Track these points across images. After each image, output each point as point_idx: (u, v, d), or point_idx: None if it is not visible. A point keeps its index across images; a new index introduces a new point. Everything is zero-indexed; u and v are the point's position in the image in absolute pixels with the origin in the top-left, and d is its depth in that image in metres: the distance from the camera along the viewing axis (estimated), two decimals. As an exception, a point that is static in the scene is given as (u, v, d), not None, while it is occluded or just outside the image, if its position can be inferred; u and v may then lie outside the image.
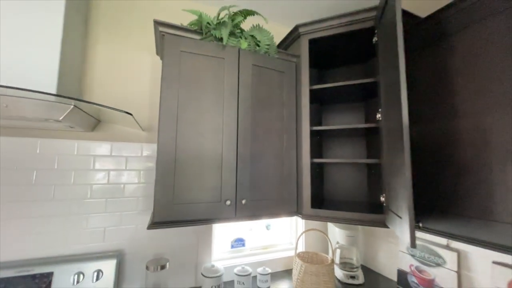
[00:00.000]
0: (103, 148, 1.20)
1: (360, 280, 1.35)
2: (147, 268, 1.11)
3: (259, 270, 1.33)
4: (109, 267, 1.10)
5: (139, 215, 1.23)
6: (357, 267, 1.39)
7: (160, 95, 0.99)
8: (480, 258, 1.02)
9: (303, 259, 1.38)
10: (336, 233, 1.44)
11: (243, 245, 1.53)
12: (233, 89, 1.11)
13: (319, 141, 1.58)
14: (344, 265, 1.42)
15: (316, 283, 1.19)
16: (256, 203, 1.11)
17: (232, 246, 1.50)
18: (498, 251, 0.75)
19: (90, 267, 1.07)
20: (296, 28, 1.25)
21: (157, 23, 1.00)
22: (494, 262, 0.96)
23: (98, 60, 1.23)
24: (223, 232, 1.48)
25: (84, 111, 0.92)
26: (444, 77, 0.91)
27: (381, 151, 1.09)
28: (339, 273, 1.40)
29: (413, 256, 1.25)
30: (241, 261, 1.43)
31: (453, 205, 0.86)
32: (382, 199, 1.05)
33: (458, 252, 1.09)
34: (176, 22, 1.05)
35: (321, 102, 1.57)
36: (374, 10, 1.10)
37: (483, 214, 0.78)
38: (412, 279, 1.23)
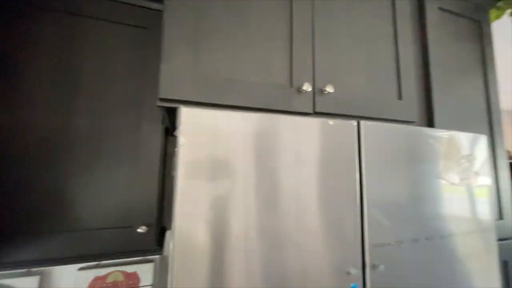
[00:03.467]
0: None
1: None
2: None
3: None
4: None
5: None
6: None
7: None
8: (66, 268, 0.92)
9: None
10: None
11: None
12: None
13: None
14: None
15: None
16: None
17: None
18: (83, 262, 0.69)
19: None
20: None
21: None
22: (80, 269, 0.91)
23: None
24: None
25: None
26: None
27: None
28: None
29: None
30: None
31: (37, 222, 0.65)
32: None
33: (41, 273, 0.89)
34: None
35: None
36: None
37: (67, 225, 0.67)
38: None
